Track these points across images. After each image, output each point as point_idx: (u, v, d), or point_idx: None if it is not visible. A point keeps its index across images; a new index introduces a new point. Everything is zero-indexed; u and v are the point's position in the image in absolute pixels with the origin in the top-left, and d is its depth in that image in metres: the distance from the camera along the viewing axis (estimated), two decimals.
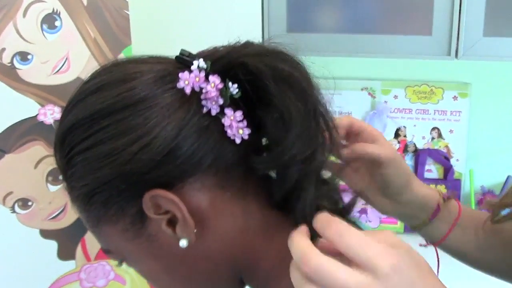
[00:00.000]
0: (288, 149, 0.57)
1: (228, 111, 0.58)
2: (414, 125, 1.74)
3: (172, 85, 0.58)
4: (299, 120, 0.57)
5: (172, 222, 0.59)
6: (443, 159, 1.73)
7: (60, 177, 0.65)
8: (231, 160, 0.59)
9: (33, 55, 1.25)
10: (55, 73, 1.29)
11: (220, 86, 0.58)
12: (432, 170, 1.75)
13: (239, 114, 0.58)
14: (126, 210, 0.60)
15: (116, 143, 0.57)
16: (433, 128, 1.73)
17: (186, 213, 0.57)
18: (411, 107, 1.73)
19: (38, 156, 1.28)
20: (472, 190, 1.68)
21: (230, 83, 0.58)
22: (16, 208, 1.27)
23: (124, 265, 0.66)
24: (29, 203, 1.30)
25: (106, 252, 0.67)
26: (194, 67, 0.58)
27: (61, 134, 0.62)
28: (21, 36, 1.23)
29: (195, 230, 0.59)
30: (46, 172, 1.30)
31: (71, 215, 1.37)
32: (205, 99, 0.58)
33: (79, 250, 1.40)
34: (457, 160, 1.73)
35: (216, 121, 0.58)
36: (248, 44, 0.61)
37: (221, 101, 0.58)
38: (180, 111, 0.57)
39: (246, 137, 0.58)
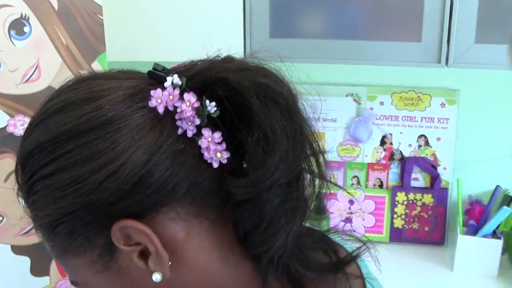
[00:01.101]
0: (271, 172, 0.52)
1: (206, 132, 0.53)
2: (401, 132, 1.69)
3: (143, 103, 0.53)
4: (284, 141, 0.52)
5: (144, 254, 0.55)
6: (430, 168, 1.68)
7: (22, 203, 0.59)
8: (208, 186, 0.54)
9: (1, 63, 1.18)
10: (25, 81, 1.22)
11: (197, 104, 0.52)
12: (419, 178, 1.70)
13: (217, 135, 0.53)
14: (94, 242, 0.55)
15: (80, 170, 0.52)
16: (420, 136, 1.68)
17: (159, 246, 0.53)
18: (397, 114, 1.68)
19: (8, 169, 1.22)
20: (460, 200, 1.63)
21: (207, 101, 0.53)
22: None
23: None
24: (0, 219, 1.24)
25: (74, 284, 0.62)
26: (167, 83, 0.53)
27: (22, 157, 0.56)
28: None
29: (169, 263, 0.54)
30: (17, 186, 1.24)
31: None
32: (180, 119, 0.52)
33: (53, 266, 1.34)
34: (444, 168, 1.68)
35: (192, 143, 0.53)
36: (228, 59, 0.56)
37: (197, 121, 0.52)
38: (152, 134, 0.52)
39: (224, 161, 0.53)
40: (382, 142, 1.71)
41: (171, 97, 0.52)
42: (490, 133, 1.74)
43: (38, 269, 1.32)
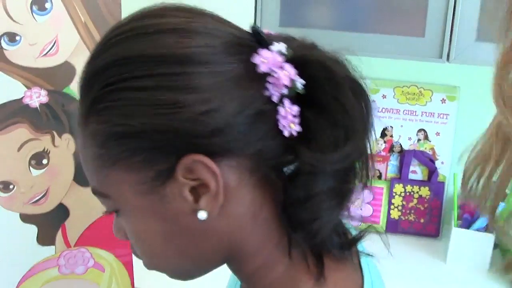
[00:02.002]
0: (340, 158, 0.57)
1: (287, 103, 0.56)
2: (401, 126, 1.76)
3: (243, 57, 0.57)
4: (359, 136, 0.58)
5: (195, 190, 0.58)
6: (428, 161, 1.75)
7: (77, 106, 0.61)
8: (271, 150, 0.58)
9: (22, 37, 1.25)
10: (43, 55, 1.29)
11: (293, 76, 0.56)
12: (417, 171, 1.77)
13: (295, 109, 0.56)
14: (154, 164, 0.57)
15: (179, 97, 0.55)
16: (420, 130, 1.75)
17: (221, 188, 0.57)
18: (399, 107, 1.75)
19: (22, 139, 1.29)
20: (455, 194, 1.70)
21: (298, 77, 0.57)
22: None
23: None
24: (11, 186, 1.31)
25: (99, 195, 0.63)
26: (276, 48, 0.57)
27: (111, 59, 0.57)
28: (10, 17, 1.23)
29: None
30: (29, 155, 1.30)
31: (53, 200, 1.38)
32: (272, 83, 0.56)
33: (59, 236, 1.40)
34: (442, 163, 1.76)
35: (273, 108, 0.57)
36: (315, 45, 0.60)
37: (285, 91, 0.56)
38: (248, 88, 0.56)
39: (295, 133, 0.57)
40: (383, 134, 1.78)
41: (277, 61, 0.56)
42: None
43: (44, 238, 1.38)
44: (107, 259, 1.44)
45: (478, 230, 1.63)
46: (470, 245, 1.63)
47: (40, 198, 1.34)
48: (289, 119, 0.56)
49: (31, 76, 1.28)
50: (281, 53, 0.57)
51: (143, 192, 0.58)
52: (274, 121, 0.57)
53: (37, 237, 1.35)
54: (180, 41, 0.56)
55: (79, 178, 1.36)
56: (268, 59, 0.56)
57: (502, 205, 0.83)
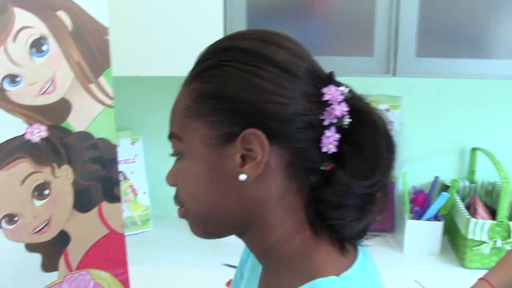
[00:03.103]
0: (367, 185, 0.75)
1: (333, 129, 0.76)
2: None
3: (319, 85, 0.77)
4: (382, 173, 0.77)
5: (243, 158, 0.77)
6: None
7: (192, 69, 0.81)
8: (309, 156, 0.77)
9: (22, 77, 1.37)
10: (42, 94, 1.39)
11: (344, 113, 0.76)
12: None
13: (337, 136, 0.76)
14: (224, 126, 0.76)
15: (268, 86, 0.75)
16: None
17: (264, 160, 0.75)
18: None
19: (25, 173, 1.40)
20: (406, 190, 1.97)
21: (347, 116, 0.76)
22: (3, 224, 1.38)
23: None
24: (15, 218, 1.40)
25: (175, 137, 0.82)
26: (341, 88, 0.77)
27: (231, 45, 0.80)
28: (11, 60, 1.34)
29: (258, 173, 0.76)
30: (32, 187, 1.42)
31: (55, 228, 1.49)
32: (328, 111, 0.76)
33: (62, 261, 1.52)
34: None
35: (321, 128, 0.76)
36: (367, 99, 0.81)
37: (334, 120, 0.76)
38: (312, 104, 0.76)
39: (330, 152, 0.77)
40: None
41: (337, 98, 0.76)
42: (428, 132, 2.10)
43: (49, 265, 1.47)
44: (106, 278, 1.57)
45: (428, 220, 1.90)
46: (422, 234, 1.90)
47: (43, 227, 1.44)
48: (330, 140, 0.76)
49: (31, 113, 1.39)
50: (342, 93, 0.77)
51: (208, 144, 0.78)
52: (319, 137, 0.76)
53: (41, 265, 1.45)
54: (285, 55, 0.77)
55: (78, 205, 1.49)
56: (333, 93, 0.76)
57: None
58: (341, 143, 0.77)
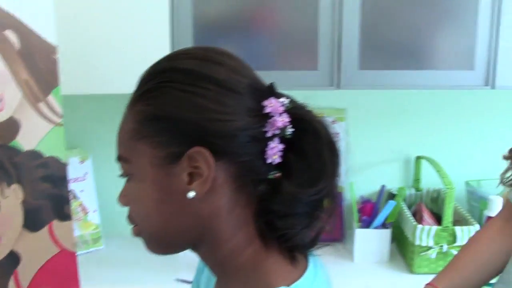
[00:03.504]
0: (313, 192, 0.78)
1: (276, 140, 0.79)
2: None
3: (260, 98, 0.80)
4: (327, 180, 0.80)
5: (191, 176, 0.79)
6: None
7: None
8: (253, 168, 0.80)
9: None
10: None
11: (286, 123, 0.79)
12: None
13: (281, 146, 0.79)
14: (170, 146, 0.78)
15: (210, 105, 0.77)
16: None
17: (211, 177, 0.78)
18: None
19: None
20: (354, 200, 2.04)
21: (290, 126, 0.79)
22: None
23: None
24: None
25: (123, 160, 0.84)
26: (281, 100, 0.80)
27: (169, 66, 0.82)
28: None
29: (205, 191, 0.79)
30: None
31: (5, 249, 1.49)
32: (270, 123, 0.79)
33: (11, 283, 1.51)
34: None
35: (266, 140, 0.79)
36: (311, 109, 0.84)
37: (277, 131, 0.79)
38: (254, 118, 0.79)
39: (275, 163, 0.79)
40: None
41: (278, 109, 0.78)
42: (373, 143, 2.19)
43: None
44: None
45: (376, 228, 1.97)
46: (371, 242, 1.97)
47: None
48: (274, 151, 0.79)
49: None
50: (283, 104, 0.80)
51: (155, 164, 0.80)
52: (264, 149, 0.79)
53: None
54: (225, 72, 0.80)
55: (28, 224, 1.51)
56: (273, 105, 0.79)
57: None
58: (285, 153, 0.80)
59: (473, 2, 1.74)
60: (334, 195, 0.84)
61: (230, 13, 1.78)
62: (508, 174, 1.28)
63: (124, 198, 0.87)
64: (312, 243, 0.86)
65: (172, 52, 0.87)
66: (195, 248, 0.88)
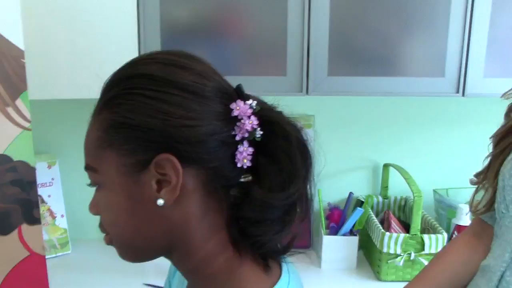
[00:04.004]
0: (285, 196, 0.79)
1: (245, 144, 0.80)
2: None
3: (227, 102, 0.80)
4: (300, 180, 0.80)
5: (159, 183, 0.79)
6: None
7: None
8: (225, 173, 0.80)
9: None
10: None
11: (255, 126, 0.79)
12: None
13: (251, 150, 0.80)
14: (138, 154, 0.78)
15: (176, 111, 0.77)
16: None
17: (179, 185, 0.78)
18: None
19: None
20: (321, 207, 2.08)
21: (259, 129, 0.80)
22: None
23: None
24: None
25: (90, 169, 0.84)
26: (249, 102, 0.80)
27: (135, 73, 0.81)
28: None
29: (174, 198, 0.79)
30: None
31: None
32: (238, 126, 0.79)
33: None
34: None
35: (235, 143, 0.79)
36: (280, 111, 0.84)
37: (246, 135, 0.79)
38: (222, 122, 0.79)
39: (245, 166, 0.80)
40: None
41: (246, 111, 0.79)
42: (341, 150, 2.24)
43: None
44: None
45: (344, 235, 2.02)
46: (339, 249, 2.02)
47: None
48: (243, 155, 0.79)
49: None
50: (251, 107, 0.80)
51: (123, 173, 0.80)
52: (234, 153, 0.79)
53: None
54: (190, 77, 0.80)
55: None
56: (241, 108, 0.79)
57: None
58: (256, 157, 0.80)
59: (445, 9, 1.78)
60: (307, 199, 0.84)
61: (199, 17, 1.80)
62: (478, 198, 1.31)
63: (95, 207, 0.88)
64: (286, 250, 0.87)
65: (135, 57, 0.86)
66: (167, 255, 0.88)
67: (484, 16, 1.79)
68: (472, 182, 1.32)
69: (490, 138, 1.26)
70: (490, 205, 1.25)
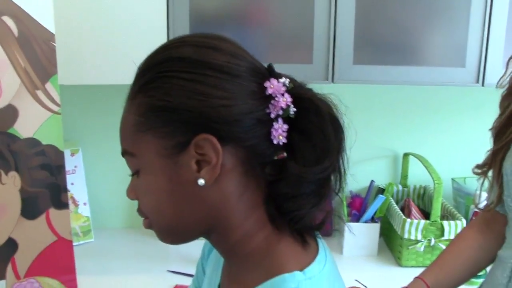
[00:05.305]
0: (319, 170, 0.79)
1: (280, 121, 0.80)
2: None
3: (261, 81, 0.80)
4: (333, 155, 0.80)
5: (199, 163, 0.79)
6: None
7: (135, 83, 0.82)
8: (262, 150, 0.80)
9: None
10: None
11: (288, 103, 0.80)
12: None
13: (285, 127, 0.80)
14: (177, 135, 0.78)
15: (211, 91, 0.77)
16: None
17: (219, 163, 0.78)
18: None
19: None
20: (343, 195, 2.08)
21: (292, 106, 0.80)
22: None
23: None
24: None
25: (128, 154, 0.84)
26: (282, 80, 0.81)
27: (168, 56, 0.81)
28: None
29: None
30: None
31: (2, 236, 1.51)
32: (273, 104, 0.79)
33: (9, 269, 1.54)
34: None
35: (270, 121, 0.79)
36: (310, 88, 0.85)
37: (280, 112, 0.79)
38: (257, 100, 0.79)
39: (281, 143, 0.80)
40: None
41: (280, 89, 0.79)
42: (363, 139, 2.21)
43: None
44: (54, 286, 1.59)
45: (366, 222, 2.01)
46: (360, 236, 2.01)
47: None
48: (279, 132, 0.79)
49: None
50: (284, 85, 0.81)
51: (163, 155, 0.80)
52: (269, 131, 0.79)
53: None
54: (222, 57, 0.80)
55: (26, 212, 1.52)
56: (274, 86, 0.80)
57: None
58: (290, 133, 0.80)
59: (466, 0, 1.78)
60: (340, 172, 0.84)
61: (227, 6, 1.80)
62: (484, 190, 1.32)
63: (132, 192, 0.87)
64: (321, 225, 0.87)
65: (166, 42, 0.86)
66: (207, 235, 0.88)
67: (503, 7, 1.78)
68: (475, 173, 1.34)
69: (490, 130, 1.27)
70: (499, 198, 1.25)
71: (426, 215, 2.04)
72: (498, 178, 1.22)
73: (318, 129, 0.80)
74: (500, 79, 1.24)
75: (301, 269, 0.80)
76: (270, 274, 0.80)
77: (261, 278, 0.81)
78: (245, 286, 0.84)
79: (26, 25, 1.47)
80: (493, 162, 1.24)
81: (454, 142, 2.30)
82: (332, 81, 1.80)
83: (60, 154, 1.55)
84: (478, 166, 1.30)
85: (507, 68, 1.25)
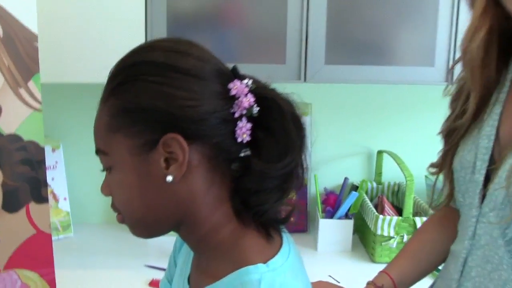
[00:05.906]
0: (282, 166, 0.85)
1: (244, 120, 0.86)
2: None
3: (225, 82, 0.87)
4: (295, 151, 0.87)
5: (167, 161, 0.85)
6: None
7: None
8: (227, 147, 0.86)
9: None
10: None
11: (252, 103, 0.86)
12: None
13: (249, 125, 0.86)
14: (145, 135, 0.85)
15: (178, 93, 0.84)
16: None
17: (186, 160, 0.84)
18: None
19: None
20: (318, 192, 2.17)
21: (255, 105, 0.86)
22: None
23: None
24: None
25: (101, 153, 0.90)
26: (245, 81, 0.87)
27: (138, 60, 0.88)
28: None
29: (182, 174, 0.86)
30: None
31: None
32: (237, 104, 0.86)
33: None
34: None
35: (234, 120, 0.86)
36: (273, 88, 0.91)
37: (244, 111, 0.86)
38: (221, 100, 0.86)
39: (245, 141, 0.86)
40: None
41: (243, 90, 0.85)
42: (337, 137, 2.33)
43: None
44: (33, 278, 1.65)
45: (339, 218, 2.11)
46: (334, 232, 2.11)
47: None
48: (243, 131, 0.86)
49: None
50: (247, 86, 0.87)
51: (134, 153, 0.86)
52: (234, 129, 0.86)
53: None
54: (190, 61, 0.87)
55: (6, 205, 1.60)
56: (238, 87, 0.86)
57: None
58: (254, 131, 0.87)
59: (434, 0, 1.87)
60: (302, 168, 0.91)
61: (202, 7, 1.88)
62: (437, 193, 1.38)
63: (107, 188, 0.94)
64: (285, 220, 0.95)
65: (137, 46, 0.92)
66: (176, 228, 0.94)
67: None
68: (430, 172, 1.39)
69: (438, 134, 1.34)
70: (451, 195, 1.32)
71: (400, 211, 2.13)
72: (449, 175, 1.29)
73: (280, 127, 0.87)
74: (445, 88, 1.32)
75: (264, 262, 0.86)
76: (236, 266, 0.86)
77: (227, 270, 0.87)
78: (213, 277, 0.89)
79: (11, 26, 1.54)
80: (445, 161, 1.30)
81: (427, 139, 2.34)
82: (305, 80, 1.89)
83: (41, 150, 1.63)
84: (432, 165, 1.38)
85: (452, 76, 1.33)
